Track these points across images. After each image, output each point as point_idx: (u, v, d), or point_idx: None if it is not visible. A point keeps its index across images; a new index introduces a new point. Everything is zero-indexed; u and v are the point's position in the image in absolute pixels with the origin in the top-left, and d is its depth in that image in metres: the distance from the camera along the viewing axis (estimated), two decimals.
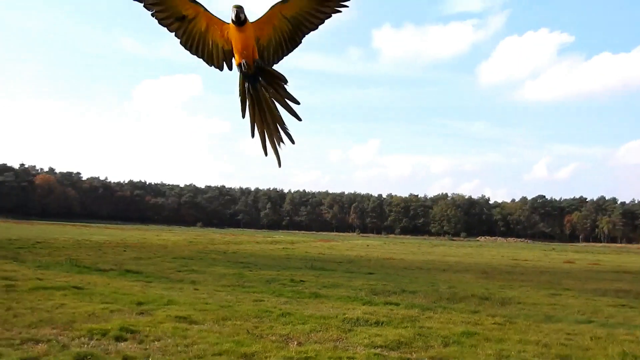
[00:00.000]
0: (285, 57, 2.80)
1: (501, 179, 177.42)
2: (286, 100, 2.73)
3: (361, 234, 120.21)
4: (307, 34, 2.75)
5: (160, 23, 2.72)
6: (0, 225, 47.36)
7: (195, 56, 2.77)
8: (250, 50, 2.69)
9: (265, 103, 2.77)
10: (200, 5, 2.69)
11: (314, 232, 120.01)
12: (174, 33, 2.74)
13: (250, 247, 30.85)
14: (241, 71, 2.72)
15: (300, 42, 2.78)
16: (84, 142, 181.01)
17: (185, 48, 2.76)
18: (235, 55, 2.72)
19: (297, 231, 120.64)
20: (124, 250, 21.16)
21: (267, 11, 2.69)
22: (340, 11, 2.67)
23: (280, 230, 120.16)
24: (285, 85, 2.75)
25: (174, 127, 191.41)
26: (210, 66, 2.79)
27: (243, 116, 2.75)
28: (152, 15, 2.66)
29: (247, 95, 2.75)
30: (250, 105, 2.77)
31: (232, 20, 2.61)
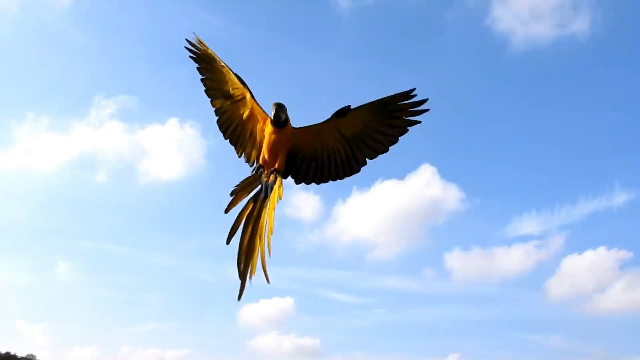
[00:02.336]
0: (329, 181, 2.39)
1: None
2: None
3: None
4: (366, 157, 2.35)
5: (206, 92, 2.55)
6: None
7: (229, 142, 2.53)
8: (275, 156, 2.38)
9: (262, 217, 2.33)
10: (249, 90, 2.46)
11: None
12: (214, 108, 2.54)
13: None
14: (256, 174, 2.41)
15: (358, 170, 2.38)
16: None
17: (220, 128, 2.53)
18: (261, 153, 2.44)
19: None
20: None
21: (322, 122, 2.36)
22: (407, 130, 2.30)
23: None
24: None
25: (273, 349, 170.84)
26: (240, 156, 2.52)
27: (226, 211, 2.30)
28: (202, 80, 2.51)
29: (250, 199, 2.35)
30: (247, 208, 2.34)
31: (270, 118, 2.35)
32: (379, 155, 2.37)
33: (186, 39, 2.47)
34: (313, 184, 2.45)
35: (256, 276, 2.24)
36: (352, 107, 2.30)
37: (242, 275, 2.24)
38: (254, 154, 2.50)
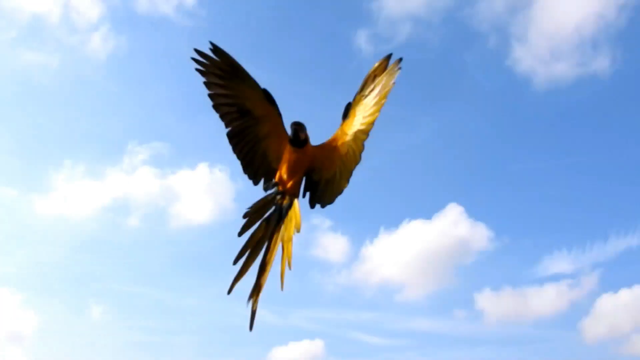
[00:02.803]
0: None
1: None
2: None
3: None
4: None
5: (215, 107, 2.23)
6: None
7: (236, 155, 2.28)
8: (292, 177, 2.24)
9: (273, 243, 2.24)
10: (277, 108, 2.24)
11: None
12: (225, 123, 2.25)
13: None
14: (274, 194, 2.27)
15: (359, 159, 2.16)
16: None
17: (235, 148, 2.27)
18: (277, 174, 2.27)
19: None
20: None
21: (335, 133, 2.21)
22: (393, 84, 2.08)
23: None
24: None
25: None
26: (245, 173, 2.31)
27: (240, 235, 2.22)
28: (210, 96, 2.20)
29: (263, 221, 2.25)
30: (259, 232, 2.24)
31: (289, 138, 2.17)
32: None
33: (195, 49, 2.18)
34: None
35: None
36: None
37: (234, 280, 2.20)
38: (261, 171, 2.31)
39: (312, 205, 2.27)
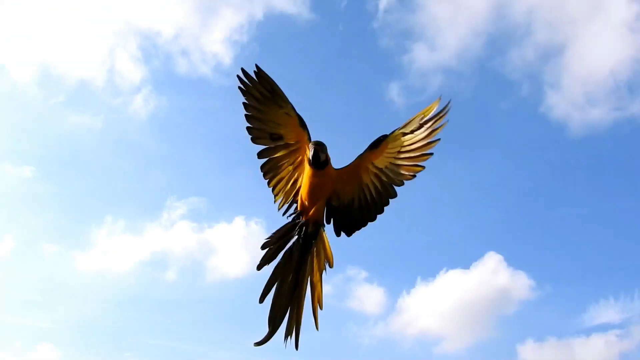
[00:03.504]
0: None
1: None
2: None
3: None
4: (404, 180, 2.05)
5: (249, 130, 2.17)
6: None
7: (267, 183, 2.21)
8: (315, 204, 2.11)
9: (301, 279, 2.13)
10: (308, 134, 2.12)
11: None
12: (258, 145, 2.19)
13: None
14: (296, 222, 2.15)
15: (395, 195, 2.07)
16: None
17: (265, 175, 2.20)
18: (299, 200, 2.16)
19: None
20: None
21: (357, 158, 2.10)
22: (438, 140, 1.99)
23: None
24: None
25: None
26: (275, 202, 2.22)
27: (259, 268, 2.13)
28: (246, 117, 2.16)
29: (286, 252, 2.15)
30: (282, 266, 2.15)
31: (308, 159, 2.05)
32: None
33: (242, 69, 2.12)
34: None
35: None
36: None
37: (272, 330, 2.11)
38: (288, 198, 2.22)
39: (338, 233, 2.15)
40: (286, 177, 2.21)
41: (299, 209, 2.16)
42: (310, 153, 2.02)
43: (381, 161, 2.06)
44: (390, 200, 2.08)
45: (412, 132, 2.02)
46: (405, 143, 2.02)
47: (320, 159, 2.02)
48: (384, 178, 2.06)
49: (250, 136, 2.19)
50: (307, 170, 2.09)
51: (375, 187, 2.08)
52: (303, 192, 2.12)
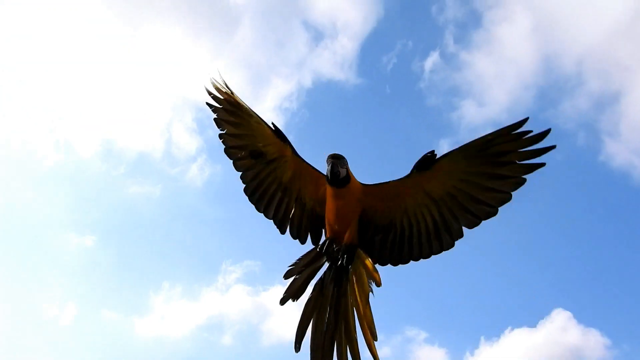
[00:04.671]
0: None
1: None
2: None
3: None
4: (464, 225, 1.73)
5: (226, 151, 2.00)
6: None
7: (262, 214, 1.96)
8: (346, 225, 1.82)
9: (344, 312, 1.82)
10: (290, 145, 1.89)
11: None
12: (240, 172, 2.00)
13: None
14: (324, 252, 1.86)
15: (451, 245, 1.75)
16: None
17: (251, 199, 1.98)
18: (326, 224, 1.88)
19: None
20: None
21: (401, 179, 1.79)
22: (524, 180, 1.67)
23: None
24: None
25: None
26: (283, 232, 1.96)
27: (282, 303, 1.87)
28: (220, 136, 2.00)
29: (317, 284, 1.88)
30: (314, 301, 1.86)
31: (326, 176, 1.78)
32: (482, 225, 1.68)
33: (205, 87, 1.99)
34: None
35: None
36: (437, 155, 1.71)
37: None
38: (305, 222, 1.95)
39: (380, 262, 1.83)
40: (291, 201, 1.96)
41: (328, 235, 1.88)
42: (327, 169, 1.76)
43: (435, 189, 1.74)
44: (447, 243, 1.75)
45: (478, 161, 1.66)
46: (468, 175, 1.68)
47: (340, 175, 1.75)
48: (436, 213, 1.74)
49: (231, 161, 2.00)
50: (326, 189, 1.84)
51: (430, 220, 1.75)
52: (329, 216, 1.85)
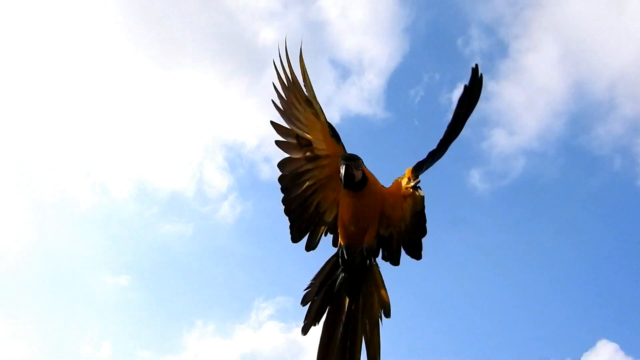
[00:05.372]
0: None
1: None
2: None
3: None
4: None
5: (277, 127, 1.83)
6: None
7: (286, 206, 1.83)
8: (363, 226, 1.72)
9: (362, 322, 1.73)
10: (342, 146, 1.77)
11: None
12: (283, 161, 1.84)
13: None
14: (341, 258, 1.75)
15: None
16: None
17: (285, 193, 1.83)
18: (340, 230, 1.79)
19: None
20: None
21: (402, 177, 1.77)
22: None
23: None
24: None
25: None
26: (298, 238, 1.84)
27: (304, 332, 1.75)
28: (275, 106, 1.83)
29: (332, 295, 1.76)
30: (333, 312, 1.76)
31: (340, 180, 1.67)
32: None
33: (273, 62, 1.78)
34: None
35: None
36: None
37: None
38: (320, 227, 1.84)
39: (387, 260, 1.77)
40: (314, 201, 1.85)
41: (341, 240, 1.76)
42: (341, 173, 1.66)
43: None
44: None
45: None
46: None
47: (355, 179, 1.65)
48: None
49: (276, 135, 1.84)
50: (342, 192, 1.74)
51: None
52: (345, 216, 1.75)
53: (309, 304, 1.76)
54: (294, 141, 1.81)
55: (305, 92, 1.78)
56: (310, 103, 1.77)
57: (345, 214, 1.74)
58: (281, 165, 1.83)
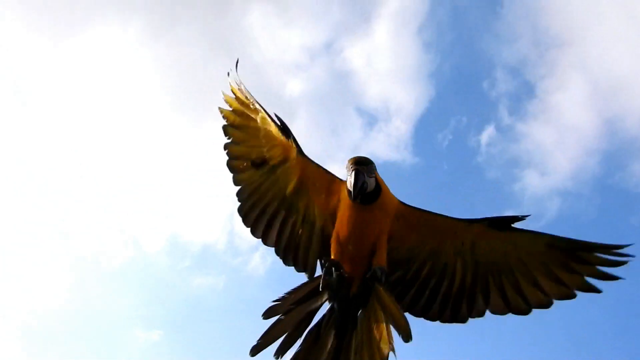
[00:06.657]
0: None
1: None
2: None
3: None
4: (495, 309, 1.43)
5: (229, 164, 1.67)
6: None
7: (260, 239, 1.58)
8: (366, 246, 1.37)
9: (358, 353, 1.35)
10: (295, 141, 1.51)
11: None
12: (237, 185, 1.65)
13: None
14: (330, 285, 1.37)
15: (465, 319, 1.43)
16: None
17: (246, 221, 1.58)
18: (332, 244, 1.44)
19: None
20: None
21: (454, 219, 1.46)
22: (593, 289, 1.46)
23: None
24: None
25: None
26: (287, 263, 1.55)
27: (279, 355, 1.40)
28: (225, 147, 1.67)
29: (309, 334, 1.41)
30: (303, 355, 1.40)
31: (347, 189, 1.36)
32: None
33: (222, 91, 1.70)
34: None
35: None
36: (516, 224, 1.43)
37: None
38: (314, 247, 1.51)
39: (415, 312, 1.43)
40: (293, 221, 1.55)
41: (333, 256, 1.40)
42: (349, 180, 1.33)
43: (485, 249, 1.42)
44: (463, 315, 1.41)
45: (554, 253, 1.43)
46: (534, 256, 1.41)
47: (368, 188, 1.32)
48: (469, 275, 1.42)
49: (231, 175, 1.65)
50: (343, 200, 1.41)
51: (459, 278, 1.42)
52: (342, 230, 1.40)
53: (273, 321, 1.41)
54: (249, 167, 1.63)
55: (251, 99, 1.61)
56: (256, 111, 1.61)
57: (345, 224, 1.40)
58: (240, 193, 1.64)
